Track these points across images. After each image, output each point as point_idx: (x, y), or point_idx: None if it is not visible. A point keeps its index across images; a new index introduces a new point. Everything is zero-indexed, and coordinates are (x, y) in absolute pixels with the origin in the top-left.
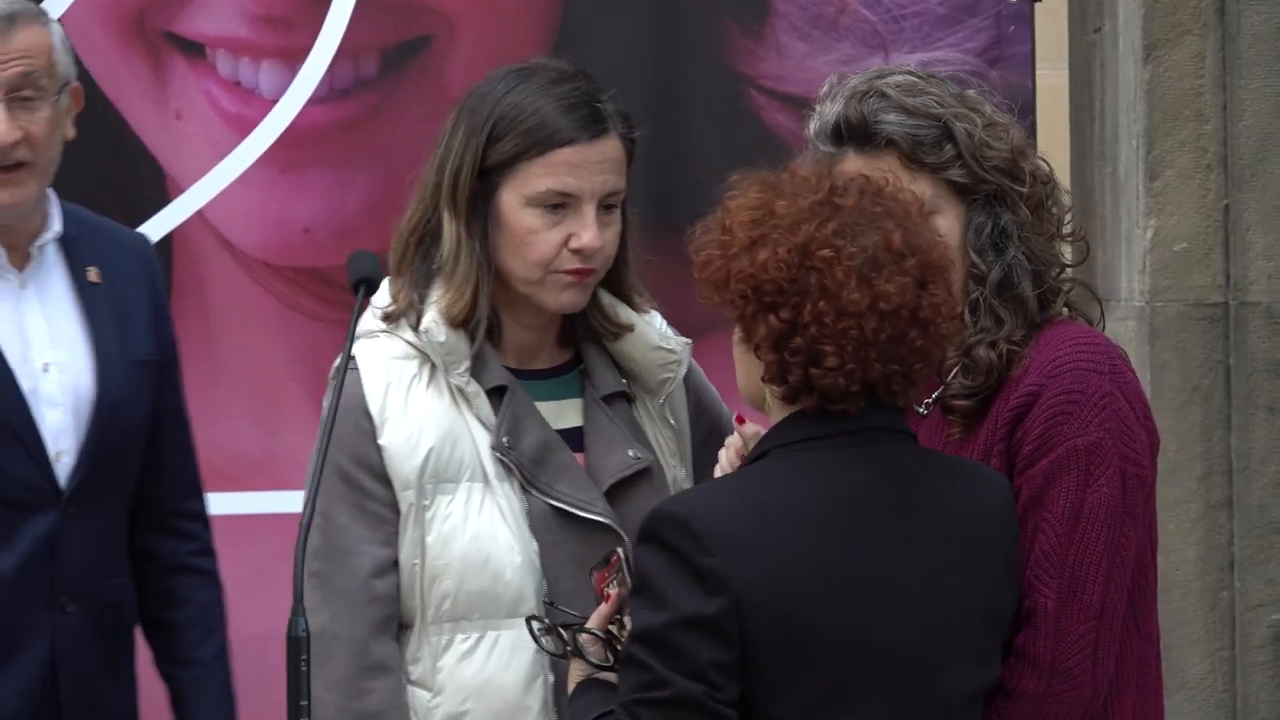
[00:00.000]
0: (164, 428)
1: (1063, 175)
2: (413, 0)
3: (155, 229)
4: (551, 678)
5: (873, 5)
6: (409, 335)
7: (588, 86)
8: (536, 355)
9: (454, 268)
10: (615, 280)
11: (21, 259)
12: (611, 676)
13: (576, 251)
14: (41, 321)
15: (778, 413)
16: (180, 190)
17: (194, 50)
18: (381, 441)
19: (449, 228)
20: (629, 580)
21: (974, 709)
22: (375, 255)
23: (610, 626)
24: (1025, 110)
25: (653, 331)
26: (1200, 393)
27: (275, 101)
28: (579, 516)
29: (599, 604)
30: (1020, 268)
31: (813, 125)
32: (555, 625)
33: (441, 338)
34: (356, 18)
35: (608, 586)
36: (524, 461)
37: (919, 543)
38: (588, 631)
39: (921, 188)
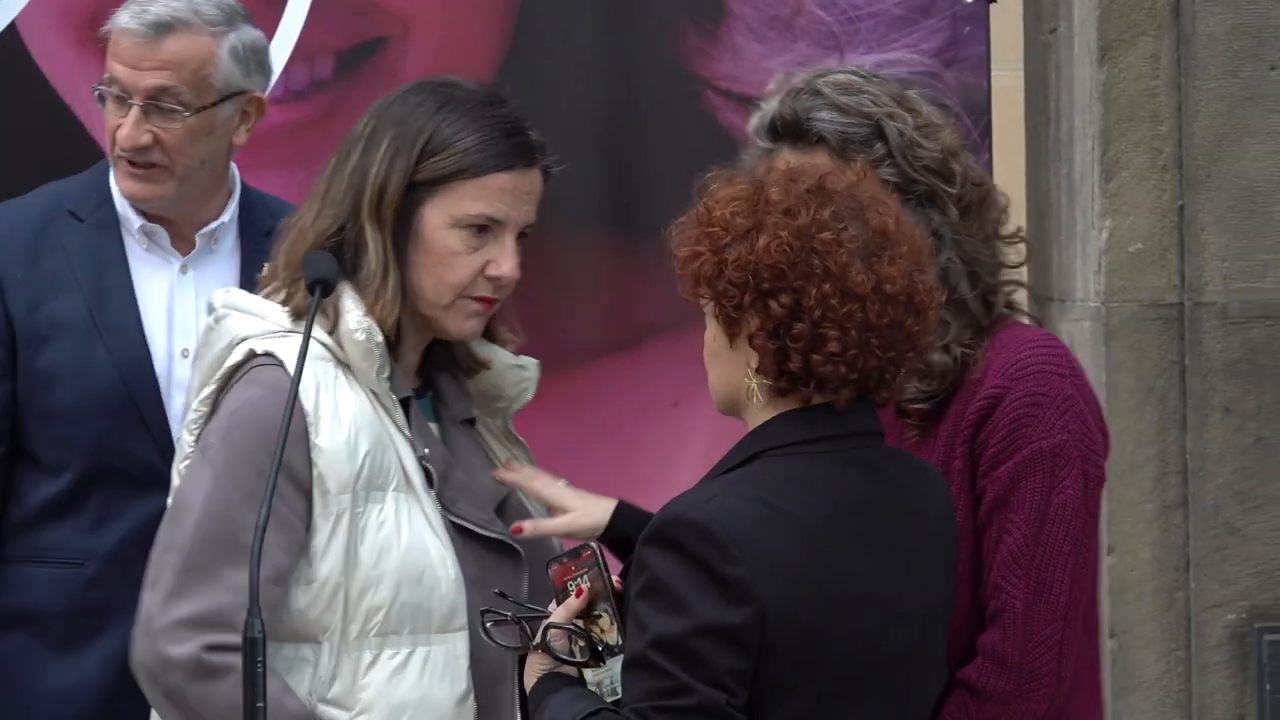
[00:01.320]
0: None
1: (1018, 176)
2: (368, 2)
3: None
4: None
5: (828, 6)
6: (322, 336)
7: (518, 113)
8: (408, 376)
9: (383, 281)
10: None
11: (187, 245)
12: (571, 670)
13: (493, 279)
14: (193, 308)
15: (760, 411)
16: None
17: None
18: (318, 441)
19: (374, 241)
20: (605, 577)
21: (930, 712)
22: (332, 256)
23: (577, 621)
24: (981, 111)
25: (507, 353)
26: (1155, 393)
27: None
28: (476, 535)
29: (558, 598)
30: (955, 269)
31: (753, 122)
32: (518, 618)
33: (379, 338)
34: (312, 19)
35: (574, 581)
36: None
37: (905, 547)
38: (557, 626)
39: None
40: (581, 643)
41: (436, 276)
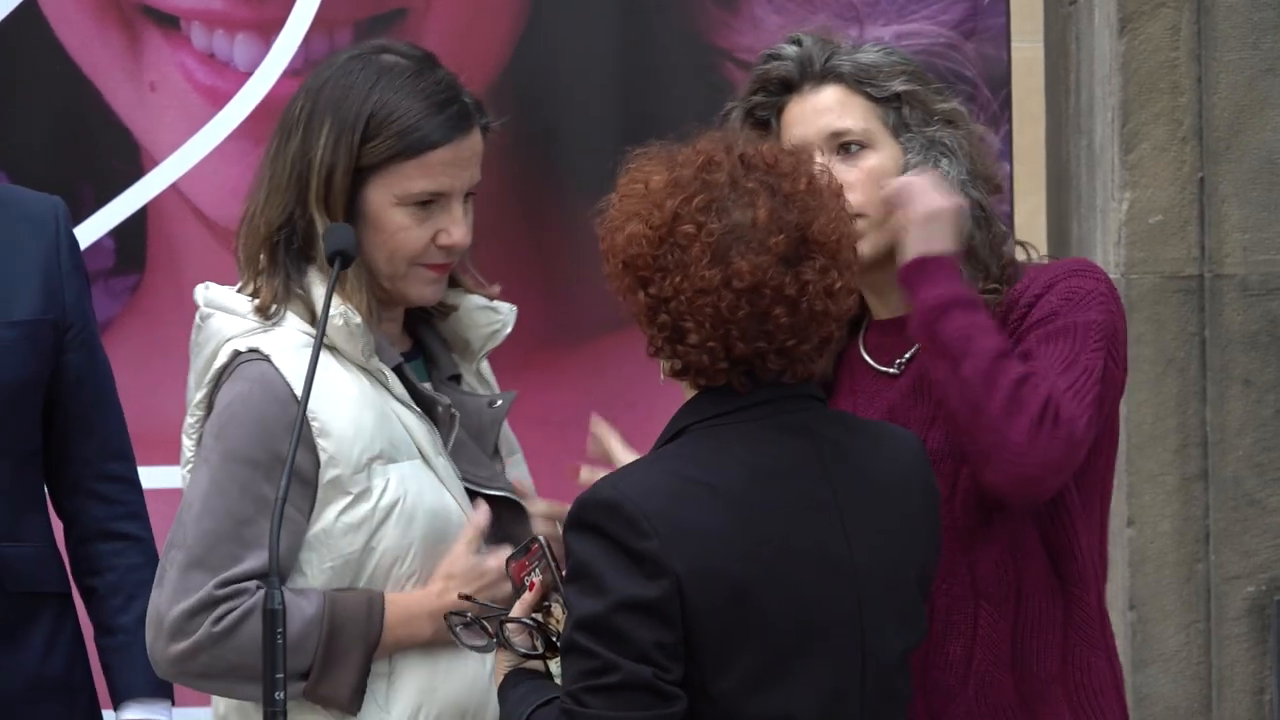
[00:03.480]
0: (74, 390)
1: (1038, 148)
2: None
3: (130, 202)
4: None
5: None
6: (299, 324)
7: (449, 78)
8: (395, 342)
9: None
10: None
11: None
12: (539, 664)
13: (444, 248)
14: None
15: (687, 388)
16: (155, 163)
17: (169, 22)
18: (323, 428)
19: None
20: (553, 567)
21: (905, 670)
22: (352, 228)
23: (535, 614)
24: (1000, 83)
25: (476, 297)
26: (1175, 365)
27: (250, 74)
28: (482, 494)
29: (518, 594)
30: (973, 215)
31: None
32: (479, 618)
33: (357, 319)
34: None
35: (529, 575)
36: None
37: (845, 507)
38: (514, 620)
39: (861, 118)
40: (540, 636)
41: (388, 251)
